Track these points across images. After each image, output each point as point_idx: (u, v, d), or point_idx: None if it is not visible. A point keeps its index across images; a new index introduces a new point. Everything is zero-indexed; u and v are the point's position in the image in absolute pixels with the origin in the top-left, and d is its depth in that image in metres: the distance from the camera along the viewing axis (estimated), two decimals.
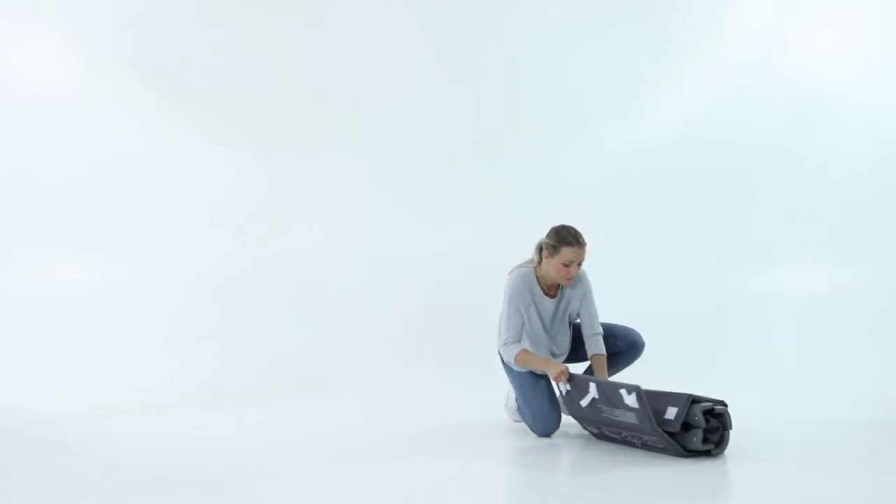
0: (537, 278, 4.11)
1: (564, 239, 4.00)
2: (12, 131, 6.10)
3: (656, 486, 3.33)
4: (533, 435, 4.18)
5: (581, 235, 4.03)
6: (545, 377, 4.16)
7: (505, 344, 4.09)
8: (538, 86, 6.79)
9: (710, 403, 3.65)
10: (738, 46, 6.97)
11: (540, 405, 4.08)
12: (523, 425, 4.32)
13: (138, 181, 6.30)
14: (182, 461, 3.73)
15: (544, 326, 4.12)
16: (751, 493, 3.21)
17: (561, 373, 3.90)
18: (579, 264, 4.02)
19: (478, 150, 6.70)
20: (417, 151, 6.63)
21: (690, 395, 3.65)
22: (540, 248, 4.12)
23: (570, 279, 4.03)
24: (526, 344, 4.09)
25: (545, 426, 4.09)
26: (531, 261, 4.17)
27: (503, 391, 4.56)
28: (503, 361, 4.24)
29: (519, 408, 4.25)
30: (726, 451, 3.74)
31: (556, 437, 4.15)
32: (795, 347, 6.31)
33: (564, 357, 4.26)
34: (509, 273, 4.17)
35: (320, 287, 6.32)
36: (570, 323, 4.19)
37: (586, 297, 4.16)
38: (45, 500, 3.18)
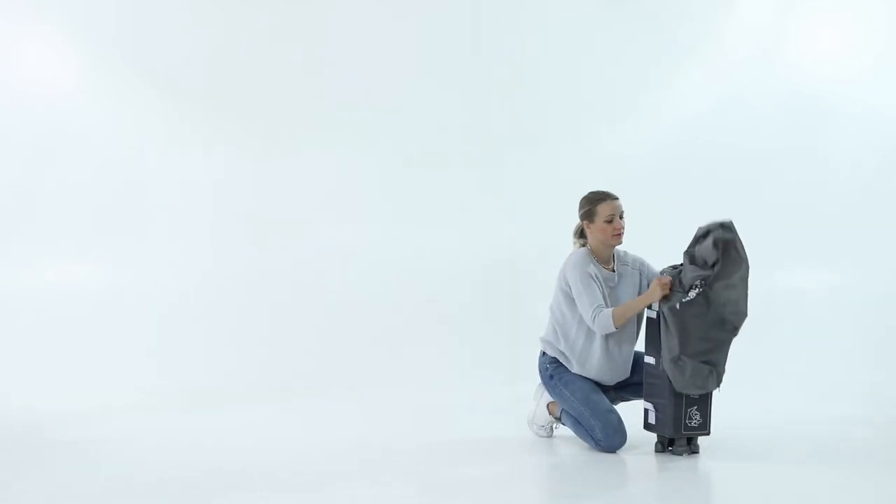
0: (592, 255, 3.97)
1: (596, 198, 3.96)
2: (12, 131, 6.09)
3: (654, 486, 3.33)
4: (532, 434, 4.17)
5: (609, 191, 3.98)
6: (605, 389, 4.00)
7: (595, 317, 3.82)
8: (539, 88, 6.78)
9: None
10: (738, 48, 6.97)
11: (611, 417, 3.84)
12: (533, 437, 4.22)
13: (139, 181, 6.28)
14: (187, 462, 3.73)
15: (607, 302, 3.91)
16: (750, 493, 3.21)
17: (664, 285, 3.74)
18: (621, 217, 3.94)
19: (478, 150, 6.68)
20: (418, 152, 6.61)
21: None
22: (579, 231, 4.04)
23: (619, 233, 3.92)
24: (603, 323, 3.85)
25: (619, 439, 3.84)
26: (576, 248, 4.04)
27: (529, 407, 4.26)
28: (550, 374, 3.98)
29: (576, 424, 3.95)
30: (724, 450, 3.74)
31: (557, 438, 4.15)
32: (795, 347, 6.30)
33: (630, 356, 3.99)
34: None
35: (322, 287, 6.30)
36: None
37: (644, 265, 4.05)
38: (51, 500, 3.18)
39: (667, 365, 3.72)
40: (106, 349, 5.76)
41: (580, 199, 4.02)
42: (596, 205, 3.95)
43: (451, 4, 6.68)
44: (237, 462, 3.70)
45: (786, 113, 6.88)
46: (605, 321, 3.82)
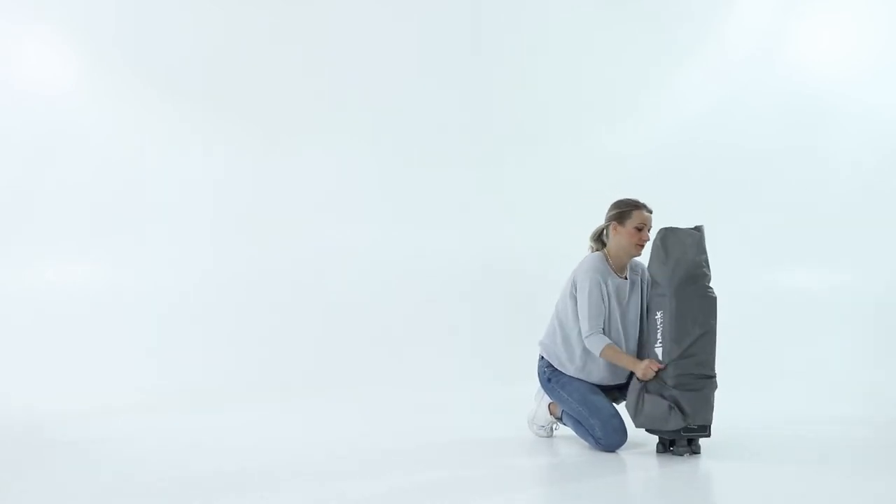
0: (607, 260, 3.95)
1: (632, 203, 3.95)
2: (12, 131, 6.10)
3: (655, 486, 3.33)
4: (532, 434, 4.17)
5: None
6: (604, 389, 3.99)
7: (589, 335, 3.83)
8: (540, 88, 6.79)
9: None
10: (738, 48, 6.98)
11: (611, 417, 3.84)
12: (533, 437, 4.26)
13: (139, 181, 6.29)
14: (187, 462, 3.73)
15: (618, 310, 3.90)
16: (750, 493, 3.21)
17: (649, 368, 3.71)
18: (648, 230, 3.94)
19: (478, 150, 6.69)
20: (418, 152, 6.62)
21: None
22: (599, 234, 4.01)
23: (642, 245, 3.92)
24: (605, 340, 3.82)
25: (619, 437, 3.82)
26: (590, 252, 4.02)
27: (530, 407, 4.26)
28: (548, 377, 3.99)
29: (577, 424, 3.97)
30: (724, 450, 3.74)
31: (557, 438, 4.15)
32: (795, 346, 6.30)
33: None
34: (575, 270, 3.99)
35: (322, 287, 6.31)
36: (640, 320, 3.96)
37: (647, 276, 3.98)
38: (51, 500, 3.18)
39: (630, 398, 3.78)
40: (106, 349, 5.77)
41: (615, 200, 4.00)
42: (633, 209, 3.93)
43: (451, 4, 6.68)
44: (237, 462, 3.70)
45: (786, 113, 6.89)
46: (596, 346, 3.84)
